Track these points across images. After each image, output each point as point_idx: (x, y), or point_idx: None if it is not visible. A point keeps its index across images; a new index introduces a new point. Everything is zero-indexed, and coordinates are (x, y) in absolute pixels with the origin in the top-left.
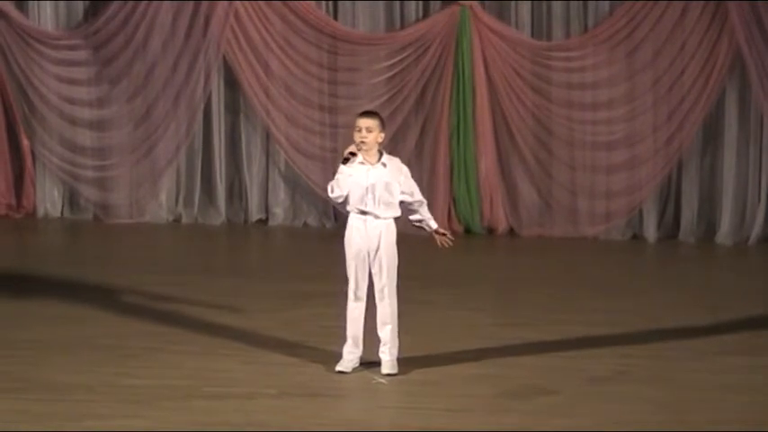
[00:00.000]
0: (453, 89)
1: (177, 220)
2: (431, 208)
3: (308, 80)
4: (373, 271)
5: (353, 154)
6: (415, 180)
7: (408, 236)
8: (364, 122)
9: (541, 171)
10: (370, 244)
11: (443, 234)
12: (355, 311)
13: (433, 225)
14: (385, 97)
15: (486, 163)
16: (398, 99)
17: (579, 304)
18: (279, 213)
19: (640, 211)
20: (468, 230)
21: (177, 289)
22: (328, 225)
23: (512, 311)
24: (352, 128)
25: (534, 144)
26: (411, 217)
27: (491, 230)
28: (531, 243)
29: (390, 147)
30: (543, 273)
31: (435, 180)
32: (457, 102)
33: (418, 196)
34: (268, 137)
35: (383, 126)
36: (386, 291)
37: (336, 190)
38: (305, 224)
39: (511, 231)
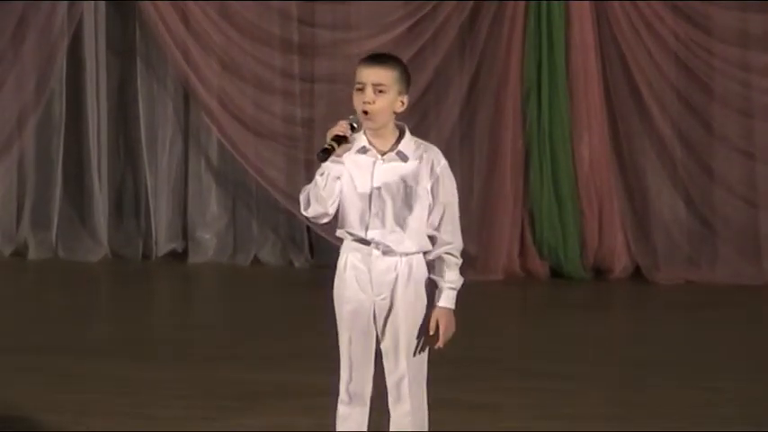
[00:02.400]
0: (530, 18)
1: (20, 253)
2: (487, 232)
3: None
4: (383, 348)
5: (343, 139)
6: (463, 181)
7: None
8: (372, 74)
9: (695, 167)
10: (377, 299)
11: (435, 335)
12: (349, 423)
13: (441, 301)
14: (403, 26)
15: (592, 153)
16: (427, 30)
17: None
18: (207, 242)
19: None
20: (557, 272)
21: None
22: (297, 263)
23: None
24: (347, 83)
25: (682, 120)
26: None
27: (600, 272)
28: (677, 296)
29: (413, 122)
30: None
31: (497, 182)
32: (536, 42)
33: (447, 233)
34: (187, 100)
35: (407, 81)
36: (405, 386)
37: (314, 203)
38: (255, 260)
39: (636, 274)
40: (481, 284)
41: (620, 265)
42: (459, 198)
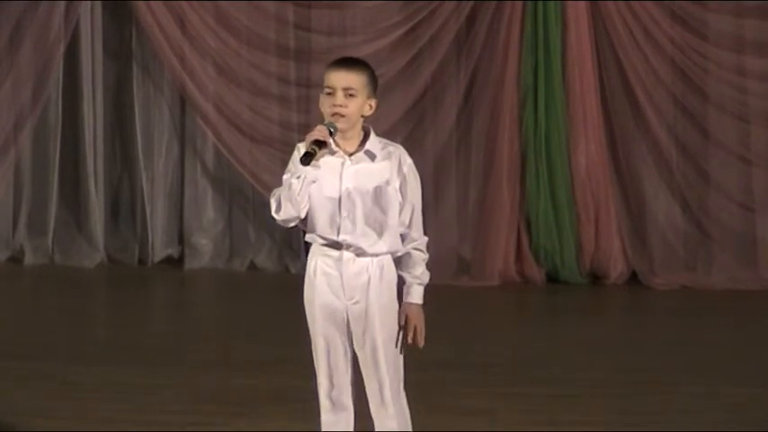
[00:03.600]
0: (527, 22)
1: (16, 258)
2: (484, 237)
3: None
4: (361, 355)
5: (323, 143)
6: (459, 185)
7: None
8: (342, 78)
9: (691, 171)
10: (349, 303)
11: (408, 330)
12: (338, 427)
13: (410, 297)
14: (400, 30)
15: (589, 158)
16: (424, 35)
17: None
18: (203, 247)
19: None
20: (554, 278)
21: None
22: (294, 269)
23: None
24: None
25: (679, 125)
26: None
27: (597, 278)
28: (673, 301)
29: (409, 126)
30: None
31: (493, 188)
32: (533, 46)
33: (416, 230)
34: (183, 105)
35: (374, 86)
36: (387, 389)
37: (286, 206)
38: (251, 266)
39: (633, 279)
40: (477, 290)
41: (617, 270)
42: (456, 203)
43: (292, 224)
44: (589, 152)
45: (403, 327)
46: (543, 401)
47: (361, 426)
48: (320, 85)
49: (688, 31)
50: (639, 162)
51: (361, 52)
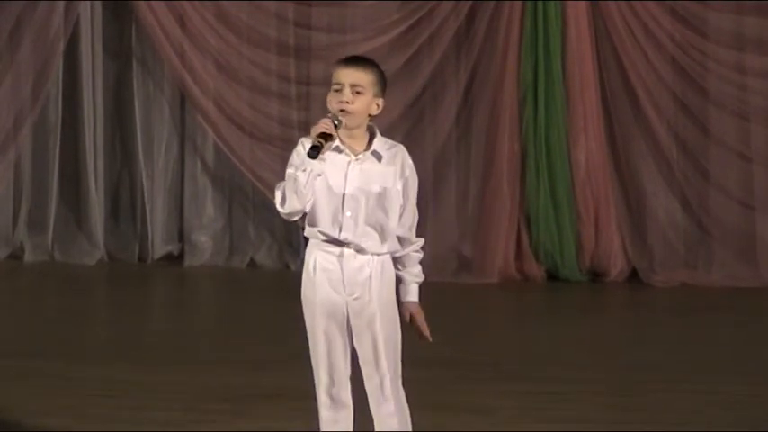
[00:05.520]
0: (526, 20)
1: (16, 256)
2: (484, 235)
3: None
4: (361, 352)
5: (329, 136)
6: (459, 183)
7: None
8: (350, 75)
9: (691, 169)
10: (350, 299)
11: (421, 326)
12: (338, 425)
13: (411, 296)
14: (399, 28)
15: (589, 156)
16: (423, 33)
17: None
18: (203, 244)
19: None
20: (554, 276)
21: None
22: (294, 266)
23: None
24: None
25: (679, 122)
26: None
27: (596, 276)
28: (673, 299)
29: (409, 124)
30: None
31: (493, 186)
32: (532, 44)
33: (413, 231)
34: (183, 103)
35: (383, 85)
36: (387, 386)
37: (291, 198)
38: (251, 263)
39: (633, 277)
40: (477, 288)
41: (617, 268)
42: (456, 201)
43: (296, 217)
44: (589, 150)
45: (413, 324)
46: (543, 399)
47: (360, 424)
48: (320, 83)
49: (688, 28)
50: (639, 160)
51: (360, 50)
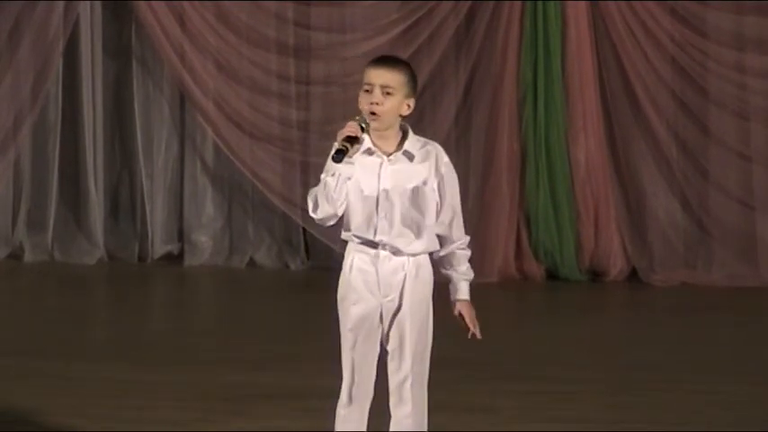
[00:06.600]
0: (526, 20)
1: (16, 255)
2: (483, 234)
3: None
4: (388, 349)
5: (355, 139)
6: (458, 183)
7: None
8: (381, 75)
9: (690, 169)
10: (385, 301)
11: (468, 325)
12: (349, 424)
13: (461, 294)
14: (399, 28)
15: (589, 155)
16: (423, 32)
17: None
18: (202, 244)
19: None
20: (553, 275)
21: None
22: (293, 266)
23: None
24: (342, 86)
25: (678, 122)
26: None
27: (596, 275)
28: (673, 299)
29: (408, 124)
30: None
31: (493, 185)
32: (532, 43)
33: (458, 230)
34: (183, 103)
35: (413, 86)
36: (408, 387)
37: (323, 204)
38: (250, 263)
39: (632, 276)
40: (477, 287)
41: (616, 267)
42: None
43: (331, 222)
44: (589, 149)
45: (462, 323)
46: (543, 398)
47: (377, 423)
48: (320, 82)
49: (688, 28)
50: (639, 159)
51: (360, 50)
